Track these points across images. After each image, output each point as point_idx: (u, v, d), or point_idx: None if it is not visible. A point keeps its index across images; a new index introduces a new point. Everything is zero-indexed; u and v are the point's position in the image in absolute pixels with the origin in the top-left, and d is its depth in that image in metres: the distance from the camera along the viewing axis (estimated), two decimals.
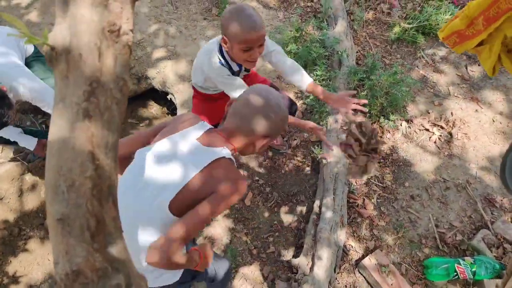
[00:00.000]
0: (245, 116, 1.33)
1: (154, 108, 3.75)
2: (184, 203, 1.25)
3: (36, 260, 2.67)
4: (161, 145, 1.33)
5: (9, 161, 3.07)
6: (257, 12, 1.71)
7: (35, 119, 3.26)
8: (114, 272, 0.54)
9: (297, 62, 2.06)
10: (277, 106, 1.35)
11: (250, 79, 2.27)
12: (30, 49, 2.53)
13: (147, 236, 1.28)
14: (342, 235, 2.29)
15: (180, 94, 3.29)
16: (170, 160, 1.29)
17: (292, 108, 2.34)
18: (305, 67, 3.05)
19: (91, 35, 0.53)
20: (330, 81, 2.85)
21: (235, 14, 1.67)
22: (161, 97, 3.67)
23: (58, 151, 0.53)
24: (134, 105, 3.70)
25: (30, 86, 2.30)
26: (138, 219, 1.29)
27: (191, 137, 1.34)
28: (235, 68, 1.95)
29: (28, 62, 2.55)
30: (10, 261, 2.63)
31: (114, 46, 0.55)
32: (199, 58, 2.02)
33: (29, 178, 2.98)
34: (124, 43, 0.56)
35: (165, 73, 3.37)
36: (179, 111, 3.23)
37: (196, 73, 2.12)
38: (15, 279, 2.56)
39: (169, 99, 3.43)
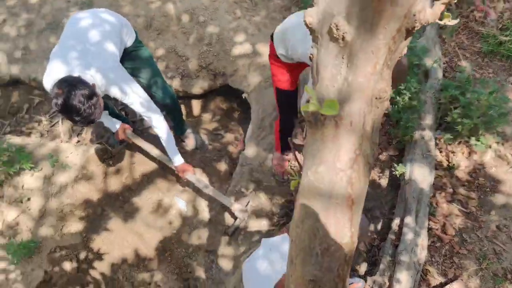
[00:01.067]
0: None
1: (225, 105, 3.82)
2: None
3: (116, 240, 2.85)
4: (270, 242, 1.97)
5: (97, 143, 3.27)
6: None
7: (116, 105, 3.43)
8: None
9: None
10: None
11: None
12: (130, 41, 2.59)
13: None
14: (421, 259, 2.23)
15: (255, 93, 3.32)
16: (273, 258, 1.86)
17: None
18: None
19: (363, 103, 0.55)
20: (416, 94, 2.75)
21: None
22: (232, 93, 3.72)
23: (315, 214, 0.55)
24: (207, 100, 3.78)
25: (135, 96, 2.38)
26: None
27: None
28: None
29: (128, 53, 2.59)
30: (94, 239, 2.83)
31: (375, 112, 0.57)
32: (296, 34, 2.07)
33: (112, 162, 3.16)
34: (384, 108, 0.57)
35: (241, 71, 3.41)
36: (254, 110, 3.27)
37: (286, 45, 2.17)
38: (99, 256, 2.75)
39: (243, 97, 3.47)
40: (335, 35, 0.57)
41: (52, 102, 2.05)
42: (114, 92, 2.32)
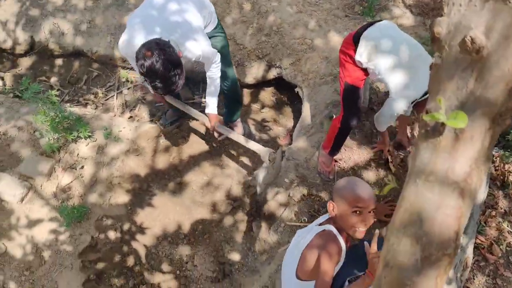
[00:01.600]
0: None
1: (276, 97, 3.84)
2: (304, 268, 1.82)
3: (158, 217, 2.95)
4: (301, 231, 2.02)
5: (149, 121, 3.38)
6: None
7: None
8: None
9: None
10: None
11: None
12: (210, 26, 2.59)
13: None
14: (464, 276, 2.20)
15: (309, 88, 3.32)
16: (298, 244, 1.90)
17: None
18: None
19: (487, 119, 0.56)
20: None
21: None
22: (284, 87, 3.73)
23: (421, 221, 0.57)
24: (258, 90, 3.81)
25: (205, 49, 2.38)
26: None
27: (317, 222, 1.97)
28: None
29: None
30: (138, 212, 2.94)
31: (495, 129, 0.57)
32: None
33: (162, 141, 3.26)
34: (505, 125, 0.57)
35: (297, 66, 3.41)
36: (305, 105, 3.28)
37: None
38: (141, 229, 2.86)
39: (296, 92, 3.48)
40: (468, 48, 0.58)
41: (137, 63, 2.02)
42: (190, 47, 2.30)
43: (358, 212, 1.75)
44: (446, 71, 0.63)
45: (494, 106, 0.59)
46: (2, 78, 3.97)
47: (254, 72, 3.50)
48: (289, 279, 1.93)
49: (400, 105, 2.28)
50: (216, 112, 2.75)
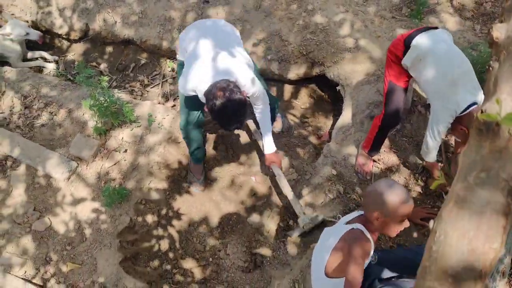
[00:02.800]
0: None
1: (317, 94, 3.83)
2: (332, 268, 1.85)
3: (195, 204, 3.02)
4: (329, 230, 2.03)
5: None
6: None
7: None
8: None
9: None
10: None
11: None
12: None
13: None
14: (501, 286, 2.13)
15: (351, 88, 3.30)
16: (327, 244, 1.91)
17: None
18: None
19: None
20: None
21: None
22: (325, 84, 3.72)
23: (468, 215, 0.58)
24: (300, 87, 3.82)
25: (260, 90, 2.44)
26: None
27: (345, 220, 1.95)
28: None
29: None
30: (176, 199, 3.02)
31: None
32: None
33: (203, 131, 3.33)
34: None
35: (341, 64, 3.39)
36: (347, 104, 3.25)
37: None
38: (178, 215, 2.94)
39: (337, 90, 3.46)
40: None
41: (208, 103, 2.12)
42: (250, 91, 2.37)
43: (401, 220, 1.77)
44: (503, 74, 0.63)
45: None
46: (57, 62, 4.18)
47: (297, 68, 3.51)
48: (317, 277, 1.96)
49: (442, 122, 2.24)
50: (274, 150, 2.72)
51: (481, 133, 0.63)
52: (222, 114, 2.12)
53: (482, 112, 0.64)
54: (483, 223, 0.61)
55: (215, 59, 2.26)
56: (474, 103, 2.14)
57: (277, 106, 3.09)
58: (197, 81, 2.24)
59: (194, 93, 2.33)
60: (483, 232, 0.61)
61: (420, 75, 2.29)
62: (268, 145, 2.70)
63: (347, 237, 1.83)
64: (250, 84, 2.31)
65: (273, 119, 3.19)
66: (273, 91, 3.74)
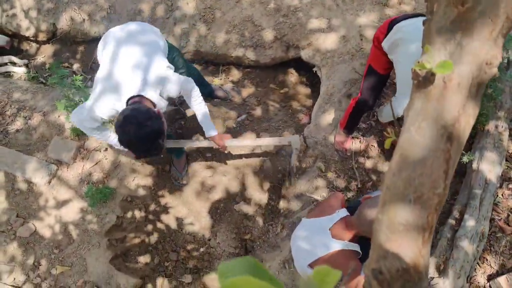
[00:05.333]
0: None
1: (294, 77, 3.84)
2: None
3: (181, 197, 3.02)
4: (307, 223, 2.07)
5: (171, 104, 3.42)
6: None
7: None
8: (425, 277, 0.62)
9: None
10: None
11: None
12: (167, 53, 2.48)
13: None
14: (480, 246, 2.21)
15: (327, 68, 3.31)
16: (308, 239, 1.98)
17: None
18: None
19: (473, 66, 0.57)
20: (493, 82, 2.63)
21: None
22: (302, 67, 3.73)
23: (413, 165, 0.60)
24: (277, 71, 3.82)
25: (182, 83, 2.30)
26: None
27: (326, 225, 1.94)
28: None
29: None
30: (162, 193, 3.01)
31: (482, 76, 0.59)
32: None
33: (183, 122, 3.31)
34: (492, 74, 0.60)
35: (315, 45, 3.40)
36: (324, 84, 3.27)
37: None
38: (165, 209, 2.94)
39: (314, 71, 3.47)
40: (454, 2, 0.60)
41: (118, 133, 1.96)
42: (170, 91, 2.25)
43: None
44: (436, 25, 0.65)
45: (480, 54, 0.61)
46: (27, 65, 4.08)
47: (272, 53, 3.51)
48: (300, 265, 2.04)
49: (402, 107, 2.22)
50: (217, 132, 2.57)
51: (419, 84, 0.65)
52: (133, 147, 1.99)
53: (418, 63, 0.65)
54: (426, 171, 0.63)
55: (120, 77, 2.10)
56: None
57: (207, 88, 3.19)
58: (104, 106, 2.10)
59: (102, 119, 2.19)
60: (427, 180, 0.63)
61: (394, 60, 2.22)
62: (212, 130, 2.54)
63: (342, 258, 1.86)
64: (171, 86, 2.21)
65: (210, 95, 3.27)
66: (250, 78, 3.73)
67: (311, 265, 1.95)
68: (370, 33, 3.27)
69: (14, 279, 2.69)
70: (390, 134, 2.60)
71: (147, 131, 1.91)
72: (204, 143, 2.68)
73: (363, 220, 1.83)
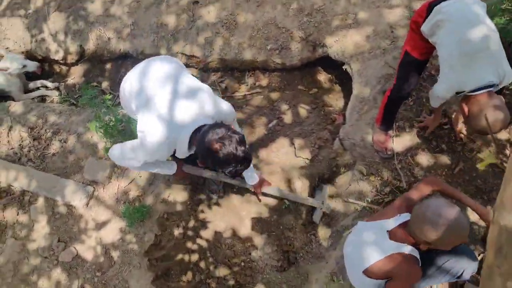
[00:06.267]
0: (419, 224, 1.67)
1: (322, 77, 3.70)
2: (374, 275, 1.81)
3: (218, 210, 2.93)
4: (363, 227, 1.95)
5: None
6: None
7: None
8: None
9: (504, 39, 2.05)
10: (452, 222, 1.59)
11: None
12: None
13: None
14: None
15: (358, 63, 3.16)
16: (362, 243, 1.87)
17: None
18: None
19: None
20: None
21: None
22: (330, 65, 3.58)
23: None
24: (304, 72, 3.69)
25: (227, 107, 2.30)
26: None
27: (386, 227, 1.83)
28: None
29: None
30: (198, 207, 2.95)
31: None
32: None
33: None
34: None
35: (343, 42, 3.25)
36: (356, 82, 3.12)
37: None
38: (203, 224, 2.86)
39: (344, 69, 3.33)
40: None
41: (209, 158, 1.93)
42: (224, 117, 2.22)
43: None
44: None
45: None
46: (58, 88, 4.15)
47: (299, 53, 3.39)
48: (354, 272, 1.93)
49: (440, 88, 2.12)
50: (257, 178, 2.59)
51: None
52: (234, 161, 1.94)
53: None
54: None
55: (177, 104, 2.03)
56: (489, 86, 1.96)
57: None
58: (175, 130, 2.02)
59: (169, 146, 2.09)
60: None
61: (437, 43, 2.08)
62: (252, 176, 2.57)
63: (398, 264, 1.74)
64: (226, 110, 2.22)
65: None
66: (277, 81, 3.62)
67: (366, 272, 1.83)
68: (400, 24, 3.09)
69: None
70: (489, 155, 2.45)
71: (235, 139, 1.91)
72: (246, 186, 2.70)
73: (413, 231, 1.71)
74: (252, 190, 2.70)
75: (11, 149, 3.41)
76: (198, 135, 1.97)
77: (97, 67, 4.22)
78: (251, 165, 2.40)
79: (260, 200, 2.81)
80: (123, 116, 3.07)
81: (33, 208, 3.05)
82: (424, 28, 2.10)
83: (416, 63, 2.28)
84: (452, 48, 2.00)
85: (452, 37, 1.98)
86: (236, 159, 1.92)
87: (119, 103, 3.86)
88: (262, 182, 2.65)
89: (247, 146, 1.98)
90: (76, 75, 4.26)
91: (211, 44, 3.55)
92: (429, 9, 2.09)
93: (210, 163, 2.00)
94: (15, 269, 2.86)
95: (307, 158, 2.97)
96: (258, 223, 2.83)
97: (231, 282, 2.69)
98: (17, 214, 3.08)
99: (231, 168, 1.97)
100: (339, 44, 3.27)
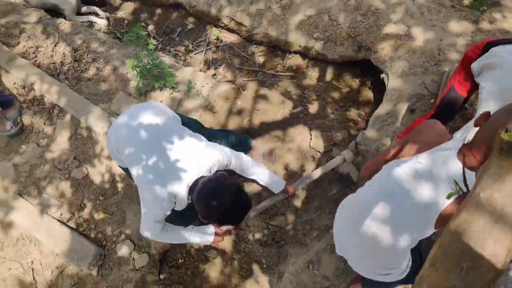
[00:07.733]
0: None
1: (358, 79, 3.74)
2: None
3: None
4: (420, 160, 1.43)
5: (230, 82, 3.49)
6: None
7: None
8: None
9: None
10: None
11: None
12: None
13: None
14: None
15: (395, 77, 3.19)
16: (431, 178, 1.36)
17: None
18: None
19: None
20: None
21: None
22: (369, 70, 3.62)
23: (476, 232, 0.58)
24: (342, 69, 3.73)
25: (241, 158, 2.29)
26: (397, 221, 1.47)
27: (451, 158, 1.34)
28: None
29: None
30: None
31: None
32: None
33: (240, 103, 3.37)
34: None
35: (388, 51, 3.28)
36: (388, 93, 3.16)
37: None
38: None
39: (381, 77, 3.36)
40: None
41: (207, 213, 1.86)
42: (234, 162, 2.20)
43: None
44: None
45: None
46: (108, 19, 4.30)
47: (342, 50, 3.43)
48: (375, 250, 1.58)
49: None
50: (284, 181, 2.57)
51: (502, 152, 0.62)
52: (228, 219, 1.93)
53: (506, 131, 0.62)
54: (489, 244, 0.61)
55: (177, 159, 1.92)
56: None
57: (247, 141, 2.99)
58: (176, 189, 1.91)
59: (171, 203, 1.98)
60: (487, 252, 0.61)
61: (481, 83, 1.99)
62: (277, 181, 2.56)
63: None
64: (227, 159, 2.11)
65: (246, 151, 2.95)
66: (315, 71, 3.68)
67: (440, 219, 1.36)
68: (450, 50, 3.09)
69: (61, 214, 2.93)
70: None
71: (243, 197, 1.91)
72: (279, 197, 2.63)
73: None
74: (287, 196, 2.63)
75: (53, 63, 3.60)
76: (194, 193, 1.88)
77: (148, 9, 4.34)
78: (269, 172, 2.46)
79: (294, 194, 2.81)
80: (161, 62, 3.20)
81: (60, 123, 3.25)
82: (474, 66, 2.07)
83: (459, 99, 2.30)
84: (493, 94, 1.92)
85: (496, 83, 1.91)
86: (236, 212, 1.91)
87: (161, 48, 4.02)
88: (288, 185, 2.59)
89: (244, 194, 1.94)
90: (127, 10, 4.40)
91: (261, 17, 3.61)
92: (485, 48, 2.05)
93: (212, 221, 2.01)
94: (30, 171, 3.09)
95: (319, 151, 3.08)
96: (255, 197, 2.98)
97: None
98: (44, 124, 3.29)
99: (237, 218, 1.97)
100: (384, 52, 3.29)
